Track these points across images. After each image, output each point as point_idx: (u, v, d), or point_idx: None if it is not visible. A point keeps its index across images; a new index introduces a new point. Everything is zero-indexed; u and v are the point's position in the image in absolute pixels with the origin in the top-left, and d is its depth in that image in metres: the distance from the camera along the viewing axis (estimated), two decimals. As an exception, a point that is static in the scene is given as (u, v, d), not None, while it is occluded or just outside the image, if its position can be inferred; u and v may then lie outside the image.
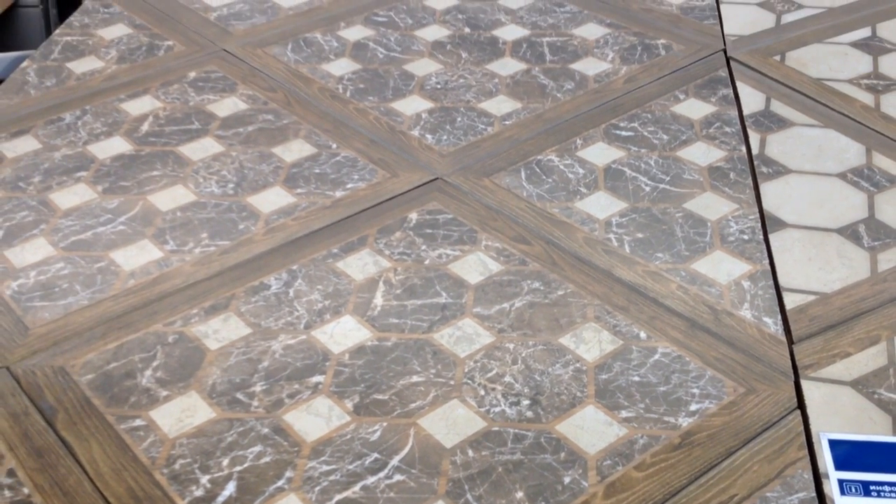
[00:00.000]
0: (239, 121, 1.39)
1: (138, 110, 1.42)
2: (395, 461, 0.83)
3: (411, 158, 1.30)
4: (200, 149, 1.33)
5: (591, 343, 0.95)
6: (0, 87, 1.53)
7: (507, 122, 1.36)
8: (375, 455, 0.84)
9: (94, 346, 0.99)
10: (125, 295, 1.07)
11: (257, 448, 0.86)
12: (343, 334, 1.00)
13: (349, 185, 1.25)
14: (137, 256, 1.13)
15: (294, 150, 1.32)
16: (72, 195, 1.26)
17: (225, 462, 0.84)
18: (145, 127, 1.38)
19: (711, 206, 1.16)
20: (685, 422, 0.84)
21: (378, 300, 1.05)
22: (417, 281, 1.07)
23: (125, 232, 1.18)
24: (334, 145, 1.32)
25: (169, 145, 1.33)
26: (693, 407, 0.85)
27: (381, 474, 0.82)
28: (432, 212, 1.19)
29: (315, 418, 0.88)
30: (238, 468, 0.84)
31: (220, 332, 1.01)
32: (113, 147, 1.34)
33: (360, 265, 1.10)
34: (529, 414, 0.87)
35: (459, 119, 1.37)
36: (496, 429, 0.86)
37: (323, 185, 1.25)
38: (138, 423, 0.89)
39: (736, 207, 1.16)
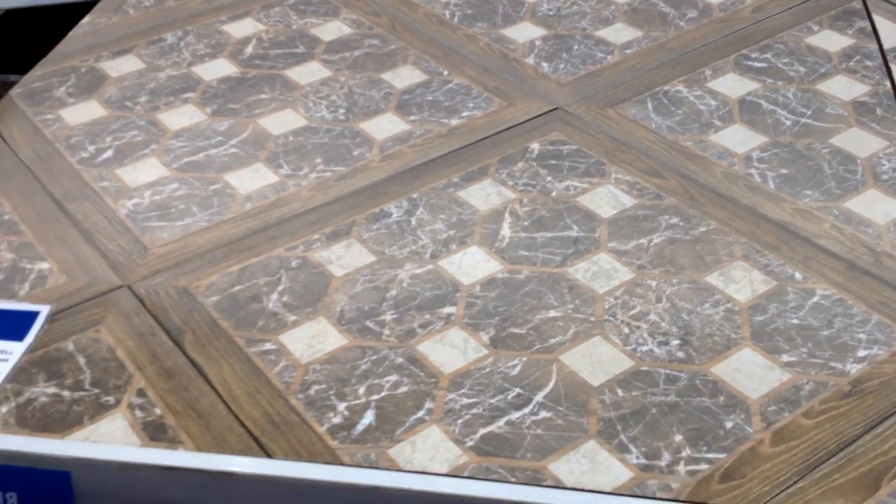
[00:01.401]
0: (344, 45, 1.34)
1: (241, 32, 1.38)
2: (539, 397, 0.80)
3: (528, 87, 1.24)
4: (307, 73, 1.28)
5: (741, 283, 0.90)
6: (98, 5, 1.50)
7: (627, 52, 1.29)
8: (518, 390, 0.80)
9: (217, 269, 0.97)
10: (243, 218, 1.04)
11: (393, 377, 0.83)
12: (472, 265, 0.96)
13: (465, 114, 1.20)
14: (252, 180, 1.10)
15: (404, 77, 1.27)
16: (180, 116, 1.23)
17: (361, 390, 0.81)
18: (249, 49, 1.34)
19: (859, 142, 1.09)
20: (853, 368, 0.79)
21: (505, 231, 1.00)
22: (545, 213, 1.03)
23: (238, 155, 1.15)
24: (445, 72, 1.27)
25: (275, 69, 1.29)
26: (861, 353, 0.80)
27: (526, 410, 0.78)
28: (555, 142, 1.14)
29: (450, 350, 0.85)
30: (375, 397, 0.81)
31: (344, 258, 0.97)
32: (218, 69, 1.31)
33: (482, 195, 1.06)
34: (680, 354, 0.83)
35: (576, 47, 1.31)
36: (645, 368, 0.82)
37: (437, 112, 1.21)
38: (268, 346, 0.87)
39: (886, 145, 1.09)
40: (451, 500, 0.68)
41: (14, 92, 1.30)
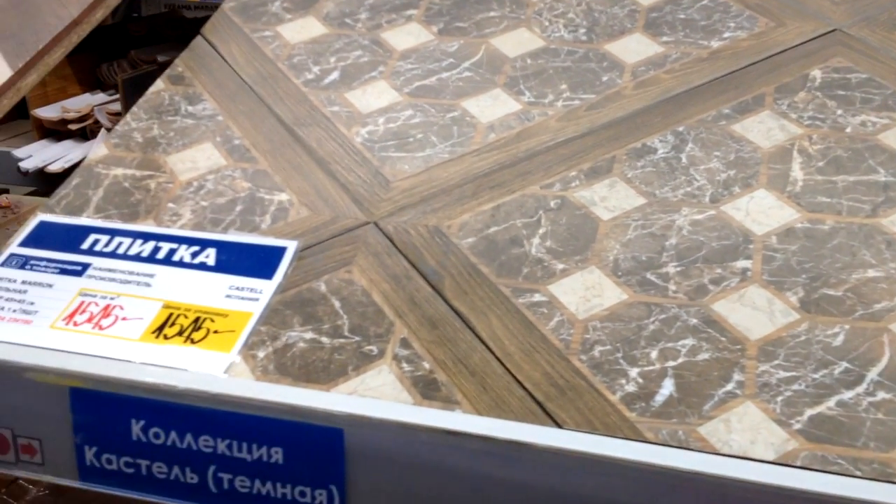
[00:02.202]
0: (576, -43, 1.21)
1: (459, -57, 1.27)
2: (872, 374, 0.68)
3: (797, 5, 1.08)
4: (538, -12, 1.17)
5: None
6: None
7: (915, -36, 1.11)
8: (845, 364, 0.69)
9: (468, 206, 0.88)
10: (488, 150, 0.95)
11: (688, 341, 0.72)
12: (762, 212, 0.83)
13: (726, 35, 1.06)
14: (493, 108, 1.01)
15: (648, -8, 1.14)
16: (405, 35, 1.14)
17: (653, 354, 0.72)
18: (471, -38, 1.23)
19: None
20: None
21: (797, 173, 0.87)
22: (842, 153, 0.89)
23: (473, 79, 1.05)
24: (695, -13, 1.13)
25: (502, -17, 1.18)
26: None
27: (860, 389, 0.67)
28: (839, 69, 0.99)
29: (753, 312, 0.74)
30: (671, 363, 0.71)
31: (609, 199, 0.87)
32: (440, -17, 1.21)
33: (762, 129, 0.92)
34: None
35: (850, -41, 1.14)
36: None
37: (693, 32, 1.07)
38: (538, 298, 0.78)
39: None
40: (788, 495, 0.58)
41: (227, 5, 1.24)
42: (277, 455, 0.69)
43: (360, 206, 0.89)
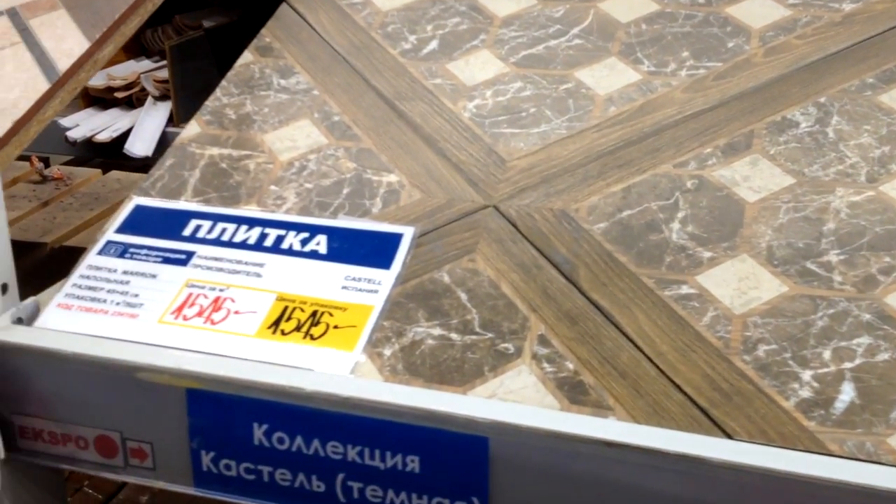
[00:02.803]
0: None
1: None
2: None
3: (937, -38, 0.99)
4: (644, -53, 1.08)
5: None
6: None
7: None
8: None
9: (595, 188, 0.81)
10: (610, 125, 0.88)
11: (864, 339, 0.65)
12: (928, 193, 0.76)
13: (860, -4, 0.98)
14: (609, 78, 0.93)
15: (767, -50, 1.05)
16: (506, 0, 1.07)
17: (826, 355, 0.63)
18: (568, -80, 1.15)
19: None
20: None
21: (962, 150, 0.80)
22: None
23: (584, 47, 0.98)
24: (819, -56, 1.04)
25: (605, -58, 1.10)
26: None
27: None
28: None
29: (934, 305, 0.67)
30: (848, 365, 0.63)
31: (753, 179, 0.80)
32: (537, -56, 1.13)
33: (915, 101, 0.85)
34: None
35: None
36: None
37: (823, -6, 0.99)
38: (685, 290, 0.71)
39: None
40: None
41: (310, -27, 1.18)
42: (414, 464, 0.63)
43: (476, 187, 0.83)
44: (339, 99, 0.96)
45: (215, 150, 0.90)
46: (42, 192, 1.47)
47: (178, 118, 1.55)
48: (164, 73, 1.90)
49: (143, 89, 1.83)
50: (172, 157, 0.90)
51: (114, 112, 1.93)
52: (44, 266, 1.25)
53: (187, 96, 1.54)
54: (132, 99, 1.84)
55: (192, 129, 0.94)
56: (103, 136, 1.73)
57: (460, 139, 0.89)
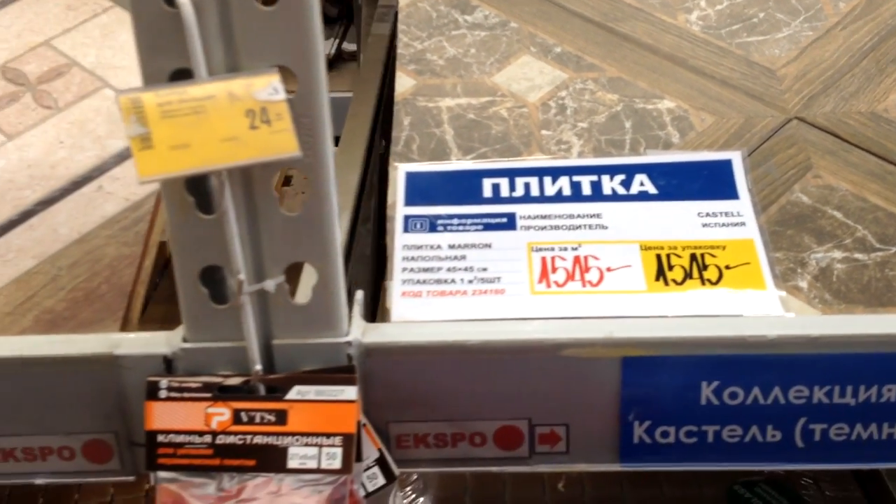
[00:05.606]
0: None
1: None
2: None
3: None
4: None
5: None
6: None
7: None
8: None
9: (885, 85, 0.78)
10: (853, 21, 0.84)
11: None
12: None
13: None
14: (821, -26, 0.90)
15: None
16: None
17: None
18: None
19: None
20: None
21: None
22: None
23: (774, -55, 0.94)
24: None
25: None
26: None
27: None
28: None
29: None
30: None
31: None
32: None
33: None
34: None
35: None
36: None
37: None
38: None
39: None
40: None
41: None
42: (891, 392, 0.60)
43: (763, 101, 0.79)
44: (546, 29, 0.88)
45: (451, 101, 0.81)
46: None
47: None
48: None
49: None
50: (407, 115, 0.80)
51: None
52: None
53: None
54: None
55: (406, 81, 0.83)
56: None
57: (708, 54, 0.84)
